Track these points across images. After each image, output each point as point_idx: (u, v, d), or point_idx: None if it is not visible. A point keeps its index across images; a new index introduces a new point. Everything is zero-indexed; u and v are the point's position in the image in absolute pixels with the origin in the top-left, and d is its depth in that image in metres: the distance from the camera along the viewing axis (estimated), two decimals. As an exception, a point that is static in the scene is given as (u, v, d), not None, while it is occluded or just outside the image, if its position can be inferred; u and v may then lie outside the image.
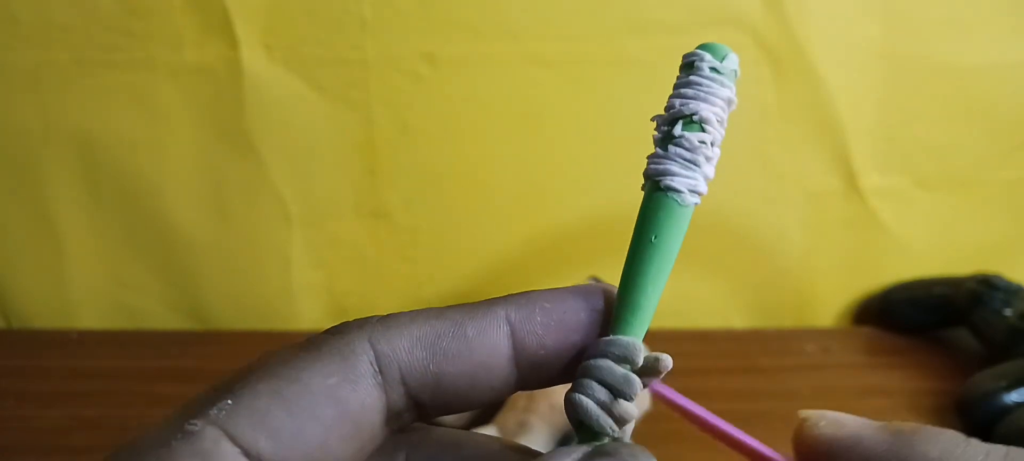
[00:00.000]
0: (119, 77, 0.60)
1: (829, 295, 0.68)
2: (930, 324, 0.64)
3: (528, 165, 0.63)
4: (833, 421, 0.18)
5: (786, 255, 0.66)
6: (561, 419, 0.49)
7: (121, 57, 0.59)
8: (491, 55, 0.59)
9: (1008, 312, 0.58)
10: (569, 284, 0.20)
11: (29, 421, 0.55)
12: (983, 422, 0.52)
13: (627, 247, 0.20)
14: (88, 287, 0.65)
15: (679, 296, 0.64)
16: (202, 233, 0.64)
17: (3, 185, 0.63)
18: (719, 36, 0.59)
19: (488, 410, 0.50)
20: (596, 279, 0.58)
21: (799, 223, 0.65)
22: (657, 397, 0.19)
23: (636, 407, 0.19)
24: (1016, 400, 0.52)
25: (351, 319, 0.19)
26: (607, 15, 0.59)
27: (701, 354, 0.61)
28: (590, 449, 0.19)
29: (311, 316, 0.66)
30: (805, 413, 0.18)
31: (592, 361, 0.19)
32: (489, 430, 0.48)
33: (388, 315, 0.19)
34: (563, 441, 0.48)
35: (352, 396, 0.18)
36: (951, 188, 0.65)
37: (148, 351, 0.63)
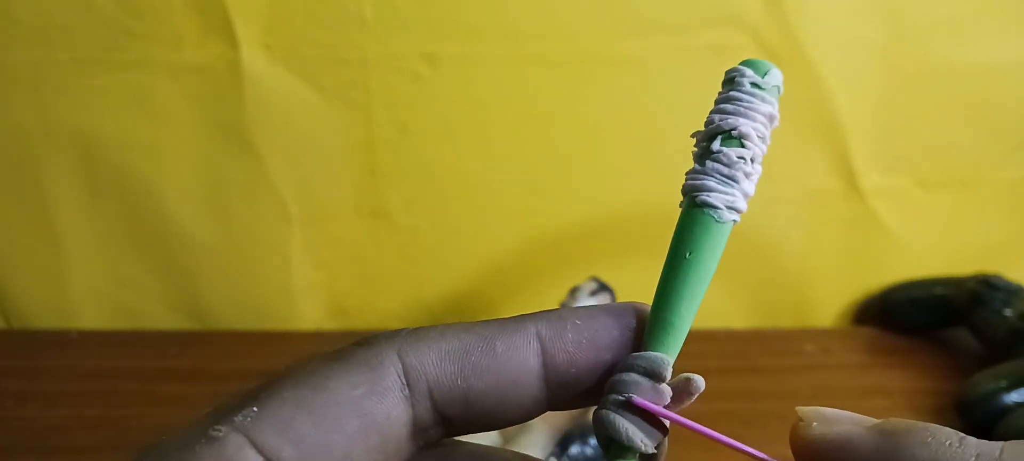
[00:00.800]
0: (119, 77, 0.60)
1: (829, 295, 0.68)
2: (930, 324, 0.64)
3: (528, 165, 0.63)
4: (825, 421, 0.18)
5: (786, 255, 0.66)
6: (560, 419, 0.49)
7: (121, 57, 0.59)
8: (491, 55, 0.59)
9: (1008, 312, 0.58)
10: (569, 284, 0.19)
11: (29, 421, 0.55)
12: (983, 422, 0.52)
13: (627, 247, 0.20)
14: (88, 287, 0.65)
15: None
16: (202, 233, 0.64)
17: (3, 185, 0.63)
18: (719, 36, 0.59)
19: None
20: (596, 279, 0.58)
21: (799, 223, 0.65)
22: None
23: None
24: (1016, 400, 0.52)
25: (352, 314, 0.19)
26: (607, 15, 0.59)
27: (701, 354, 0.60)
28: None
29: (311, 316, 0.66)
30: (801, 411, 0.18)
31: (619, 376, 0.19)
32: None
33: (418, 328, 0.19)
34: (562, 441, 0.48)
35: (378, 408, 0.18)
36: (951, 188, 0.64)
37: (148, 351, 0.63)
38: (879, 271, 0.66)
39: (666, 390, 0.19)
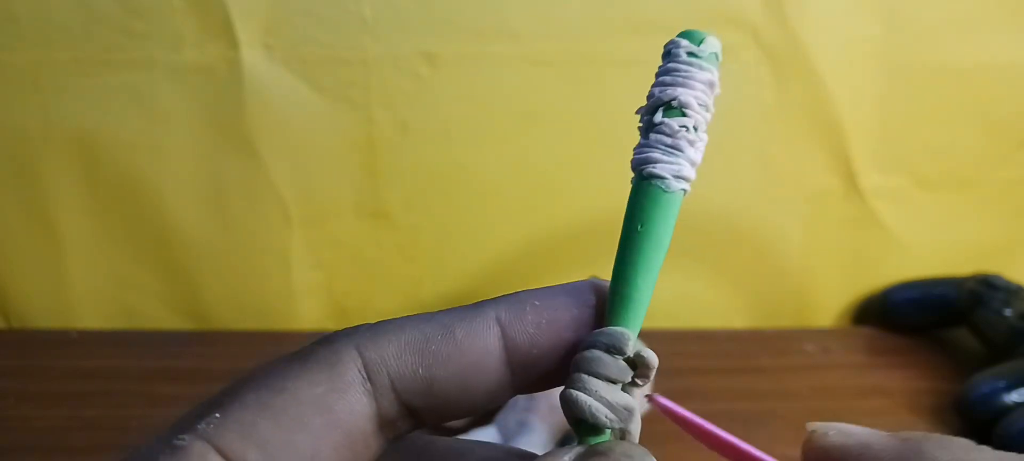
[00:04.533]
0: (119, 77, 0.60)
1: (829, 295, 0.68)
2: (930, 324, 0.64)
3: (528, 165, 0.63)
4: (841, 431, 0.18)
5: (786, 255, 0.66)
6: (561, 419, 0.49)
7: (121, 57, 0.59)
8: (491, 55, 0.59)
9: (1008, 312, 0.58)
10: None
11: (29, 421, 0.55)
12: (983, 422, 0.52)
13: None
14: (88, 287, 0.65)
15: (679, 296, 0.64)
16: (202, 233, 0.64)
17: (3, 185, 0.63)
18: (719, 36, 0.59)
19: (489, 411, 0.50)
20: (596, 279, 0.58)
21: (799, 223, 0.65)
22: (653, 403, 0.19)
23: (636, 400, 0.19)
24: (1016, 400, 0.52)
25: (352, 314, 0.19)
26: (607, 15, 0.59)
27: (701, 354, 0.61)
28: (584, 449, 0.18)
29: (311, 316, 0.66)
30: (813, 425, 0.18)
31: (582, 353, 0.19)
32: (489, 430, 0.48)
33: (377, 323, 0.19)
34: (563, 441, 0.48)
35: (341, 404, 0.18)
36: (951, 188, 0.65)
37: (148, 351, 0.63)
38: (879, 271, 0.66)
39: (626, 367, 0.19)
